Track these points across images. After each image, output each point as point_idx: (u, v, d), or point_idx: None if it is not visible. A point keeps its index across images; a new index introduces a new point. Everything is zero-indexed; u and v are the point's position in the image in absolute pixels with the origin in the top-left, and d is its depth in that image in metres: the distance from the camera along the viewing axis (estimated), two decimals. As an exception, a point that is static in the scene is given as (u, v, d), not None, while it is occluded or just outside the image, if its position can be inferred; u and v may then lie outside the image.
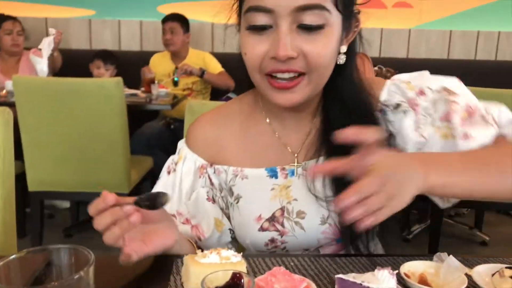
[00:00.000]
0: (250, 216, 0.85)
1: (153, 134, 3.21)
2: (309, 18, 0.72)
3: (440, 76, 0.87)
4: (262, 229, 0.84)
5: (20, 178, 2.46)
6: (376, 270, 0.60)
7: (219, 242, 0.90)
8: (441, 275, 0.66)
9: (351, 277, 0.59)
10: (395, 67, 3.03)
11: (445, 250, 0.73)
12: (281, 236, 0.83)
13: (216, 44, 3.85)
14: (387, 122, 0.86)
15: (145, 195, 0.67)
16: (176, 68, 3.39)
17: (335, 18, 0.74)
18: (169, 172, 0.91)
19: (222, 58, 3.45)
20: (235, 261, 0.61)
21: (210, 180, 0.89)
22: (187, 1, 3.80)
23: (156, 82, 3.20)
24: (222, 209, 0.90)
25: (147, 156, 2.84)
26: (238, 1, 0.81)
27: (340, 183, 0.80)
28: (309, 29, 0.72)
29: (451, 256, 0.68)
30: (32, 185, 2.30)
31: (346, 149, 0.79)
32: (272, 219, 0.84)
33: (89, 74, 3.17)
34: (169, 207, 0.88)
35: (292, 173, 0.86)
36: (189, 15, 3.41)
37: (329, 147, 0.83)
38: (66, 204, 3.18)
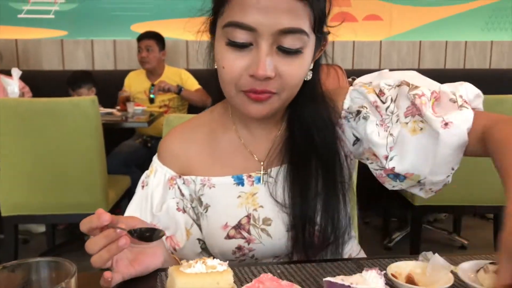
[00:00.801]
0: (217, 225, 0.87)
1: (130, 153, 3.17)
2: (289, 42, 0.73)
3: (398, 72, 0.88)
4: (228, 237, 0.85)
5: (-7, 203, 2.39)
6: (364, 272, 0.59)
7: (192, 251, 0.90)
8: (427, 274, 0.66)
9: (339, 279, 0.58)
10: (368, 78, 3.09)
11: (426, 255, 0.74)
12: (248, 244, 0.85)
13: (190, 61, 3.85)
14: (352, 129, 0.88)
15: (141, 229, 0.67)
16: (152, 85, 3.37)
17: (311, 41, 0.77)
18: (143, 186, 0.92)
19: (197, 74, 3.45)
20: (221, 270, 0.60)
21: (180, 191, 0.90)
22: (161, 19, 3.80)
23: (131, 100, 3.18)
24: (193, 220, 0.91)
25: (125, 175, 2.80)
26: (214, 13, 0.80)
27: (301, 190, 0.83)
28: (288, 52, 0.74)
29: (436, 254, 0.69)
30: (5, 210, 2.22)
31: (307, 158, 0.84)
32: (238, 226, 0.85)
33: (62, 96, 3.11)
34: (144, 220, 0.88)
35: (259, 180, 0.87)
36: (163, 33, 3.42)
37: (291, 156, 0.86)
38: (41, 228, 3.09)
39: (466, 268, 0.68)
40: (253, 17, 0.71)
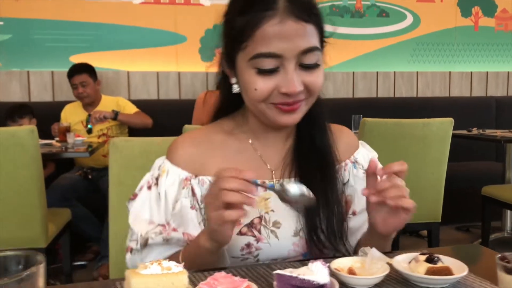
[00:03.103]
0: None
1: (70, 186, 3.07)
2: (309, 59, 0.86)
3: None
4: (240, 233, 0.91)
5: None
6: (309, 264, 0.64)
7: None
8: (366, 266, 0.72)
9: (288, 271, 0.63)
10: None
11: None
12: (257, 242, 0.91)
13: (132, 91, 3.83)
14: (354, 176, 1.01)
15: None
16: (89, 115, 3.30)
17: (321, 54, 0.90)
18: (149, 187, 0.95)
19: (139, 104, 3.45)
20: (176, 271, 0.62)
21: (193, 191, 0.93)
22: (100, 51, 3.78)
23: (71, 132, 3.10)
24: (203, 218, 0.94)
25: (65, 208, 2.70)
26: (232, 49, 0.89)
27: None
28: (309, 67, 0.87)
29: (373, 248, 0.76)
30: None
31: (314, 174, 0.95)
32: (250, 225, 0.92)
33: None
34: (157, 218, 0.92)
35: (272, 187, 0.94)
36: (103, 64, 3.39)
37: (301, 171, 0.97)
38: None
39: (400, 260, 0.75)
40: (277, 45, 0.83)
